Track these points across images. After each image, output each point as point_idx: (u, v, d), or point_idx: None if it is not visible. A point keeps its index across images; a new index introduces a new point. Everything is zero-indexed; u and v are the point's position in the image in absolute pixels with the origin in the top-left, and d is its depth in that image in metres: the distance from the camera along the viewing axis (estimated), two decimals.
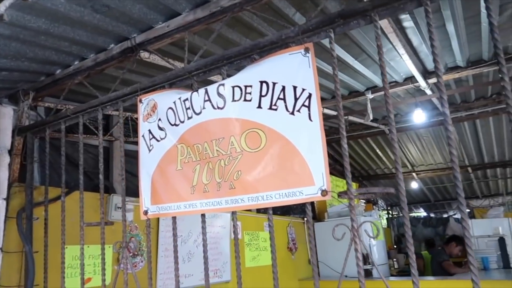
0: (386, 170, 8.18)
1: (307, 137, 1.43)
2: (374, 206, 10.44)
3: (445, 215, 10.38)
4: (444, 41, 3.17)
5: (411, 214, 11.08)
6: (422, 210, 10.98)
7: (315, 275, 1.56)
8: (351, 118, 5.52)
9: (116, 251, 1.74)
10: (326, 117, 4.94)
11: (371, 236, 1.74)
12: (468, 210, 9.98)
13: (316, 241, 5.66)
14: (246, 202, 1.54)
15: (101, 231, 2.04)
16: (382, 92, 4.14)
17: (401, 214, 10.06)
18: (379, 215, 11.36)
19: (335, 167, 7.96)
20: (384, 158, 7.56)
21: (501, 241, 5.45)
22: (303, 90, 1.47)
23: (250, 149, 1.54)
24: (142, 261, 3.16)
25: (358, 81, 3.97)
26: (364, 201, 6.11)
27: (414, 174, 7.95)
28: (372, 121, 5.77)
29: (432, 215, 10.66)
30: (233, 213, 1.62)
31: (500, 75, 1.26)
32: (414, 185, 8.37)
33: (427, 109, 4.96)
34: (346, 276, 4.92)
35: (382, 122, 5.89)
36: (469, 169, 7.48)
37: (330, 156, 7.51)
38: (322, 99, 4.19)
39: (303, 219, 5.50)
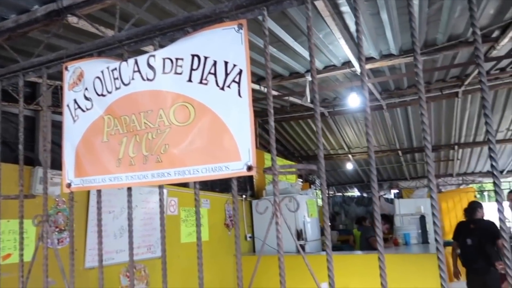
0: (324, 152, 8.50)
1: (236, 113, 1.44)
2: (312, 186, 10.86)
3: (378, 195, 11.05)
4: (379, 29, 3.31)
5: (346, 194, 11.68)
6: (356, 190, 11.60)
7: (237, 248, 1.60)
8: (292, 99, 5.64)
9: (35, 225, 1.66)
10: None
11: (291, 211, 1.80)
12: (397, 191, 10.73)
13: (254, 218, 5.81)
14: (173, 176, 1.53)
15: (19, 204, 1.93)
16: (322, 75, 4.28)
17: (337, 194, 10.54)
18: (316, 194, 11.86)
19: (276, 147, 8.13)
20: (323, 140, 7.84)
21: (422, 219, 5.93)
22: (234, 66, 1.46)
23: (179, 123, 1.52)
24: (69, 237, 3.05)
25: (298, 63, 4.04)
26: (301, 180, 6.33)
27: (350, 155, 8.35)
28: (311, 103, 5.94)
29: (365, 194, 11.30)
30: (160, 187, 1.61)
31: (414, 63, 1.34)
32: (350, 166, 8.79)
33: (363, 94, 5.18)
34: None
35: (322, 104, 6.09)
36: (400, 152, 7.99)
37: (279, 142, 7.64)
38: (263, 79, 4.22)
39: (242, 197, 5.60)
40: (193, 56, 1.53)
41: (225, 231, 5.08)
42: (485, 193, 19.20)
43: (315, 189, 11.57)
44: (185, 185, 4.67)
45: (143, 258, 3.83)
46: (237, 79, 1.46)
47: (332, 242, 7.75)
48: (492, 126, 1.03)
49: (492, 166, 1.01)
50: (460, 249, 4.71)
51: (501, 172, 9.46)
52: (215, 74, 1.49)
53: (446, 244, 8.74)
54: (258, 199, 5.86)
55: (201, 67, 1.51)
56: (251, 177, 6.20)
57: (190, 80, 1.53)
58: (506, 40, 3.23)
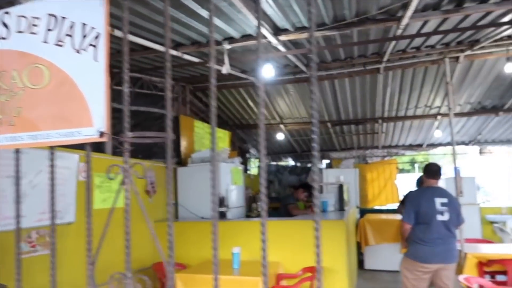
0: (257, 121, 8.60)
1: (91, 77, 1.40)
2: (247, 154, 11.03)
3: (309, 165, 11.47)
4: (287, 1, 3.32)
5: (280, 163, 12.00)
6: (290, 159, 11.95)
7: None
8: (217, 67, 5.58)
9: None
10: (191, 64, 4.92)
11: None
12: (328, 161, 11.19)
13: (178, 185, 5.82)
14: (25, 140, 1.48)
15: None
16: (240, 44, 4.27)
17: (272, 163, 10.78)
18: (251, 163, 12.07)
19: (208, 115, 8.09)
20: (255, 109, 7.91)
21: (340, 188, 6.26)
22: (92, 28, 1.41)
23: (32, 85, 1.46)
24: None
25: (215, 31, 3.99)
26: (227, 148, 6.40)
27: (282, 126, 8.54)
28: (243, 72, 5.94)
29: (298, 164, 11.69)
30: (17, 150, 1.55)
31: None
32: (281, 136, 8.99)
33: (282, 65, 5.25)
34: (202, 218, 5.16)
35: (252, 74, 6.10)
36: (329, 124, 8.30)
37: (203, 103, 7.57)
38: (182, 45, 4.13)
39: (166, 164, 5.56)
40: (50, 15, 1.46)
41: (146, 198, 5.05)
42: (416, 165, 20.74)
43: (250, 158, 11.78)
44: (100, 150, 4.54)
45: (49, 224, 3.73)
46: (94, 43, 1.41)
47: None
48: None
49: None
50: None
51: (421, 145, 10.19)
52: (72, 36, 1.43)
53: (368, 211, 9.35)
54: (184, 166, 5.86)
55: (58, 28, 1.45)
56: (177, 144, 6.16)
57: (45, 41, 1.46)
58: (406, 20, 3.40)
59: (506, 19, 3.91)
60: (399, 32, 3.76)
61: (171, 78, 1.46)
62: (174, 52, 4.07)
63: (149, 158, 5.35)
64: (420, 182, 6.33)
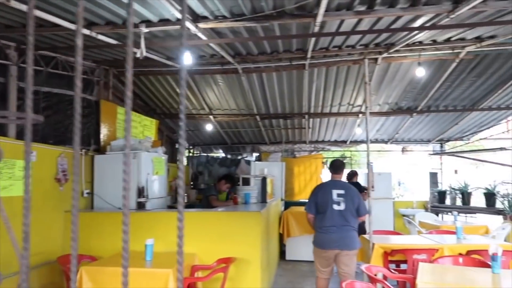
0: (186, 111, 8.44)
1: None
2: (177, 145, 10.79)
3: (239, 157, 11.54)
4: None
5: (210, 154, 11.93)
6: (221, 151, 11.93)
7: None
8: (147, 54, 5.36)
9: None
10: (109, 46, 4.66)
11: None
12: (257, 154, 11.33)
13: (95, 173, 5.53)
14: None
15: None
16: (160, 28, 4.11)
17: (202, 153, 10.67)
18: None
19: (137, 103, 7.78)
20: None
21: (263, 180, 6.35)
22: None
23: None
24: None
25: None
26: (150, 137, 6.19)
27: (211, 117, 8.46)
28: (169, 59, 5.76)
29: (229, 156, 11.71)
30: None
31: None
32: (209, 127, 8.92)
33: (209, 55, 5.18)
34: (119, 208, 4.95)
35: (179, 61, 5.91)
36: (258, 117, 8.38)
37: (138, 96, 7.26)
38: (95, 24, 3.88)
39: (82, 151, 5.24)
40: None
41: (56, 186, 4.73)
42: (344, 160, 21.82)
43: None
44: (2, 133, 4.16)
45: None
46: None
47: (190, 200, 7.84)
48: None
49: None
50: None
51: (345, 141, 10.69)
52: None
53: (292, 204, 9.62)
54: (101, 153, 5.57)
55: None
56: (97, 131, 5.84)
57: None
58: (320, 17, 3.50)
59: (416, 24, 4.18)
60: (316, 29, 3.86)
61: (82, 58, 1.35)
62: (86, 31, 3.81)
63: (63, 144, 5.01)
64: (350, 176, 6.90)
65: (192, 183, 10.81)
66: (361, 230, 5.96)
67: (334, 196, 4.23)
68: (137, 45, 3.86)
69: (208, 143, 11.29)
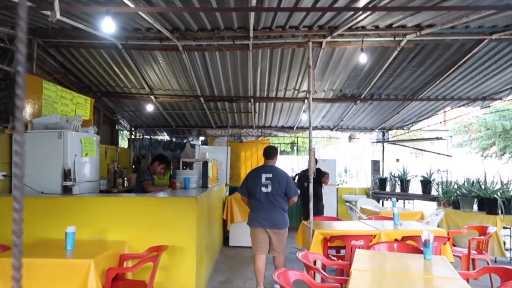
0: (125, 89, 7.92)
1: None
2: (117, 125, 10.19)
3: (185, 140, 11.16)
4: None
5: (154, 137, 11.44)
6: (165, 134, 11.47)
7: None
8: (73, 23, 4.85)
9: None
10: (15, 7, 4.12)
11: None
12: (204, 138, 11.02)
13: (13, 154, 4.96)
14: None
15: None
16: None
17: (146, 136, 10.18)
18: (122, 135, 11.27)
19: (70, 79, 7.16)
20: (122, 76, 7.23)
21: (205, 164, 6.08)
22: None
23: None
24: None
25: None
26: (80, 115, 5.66)
27: (152, 97, 8.00)
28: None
29: (174, 139, 11.29)
30: None
31: None
32: (150, 107, 8.45)
33: (144, 28, 4.79)
34: (42, 193, 4.47)
35: (117, 35, 5.44)
36: (202, 99, 8.04)
37: (57, 62, 6.63)
38: None
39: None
40: None
41: None
42: (295, 147, 22.00)
43: (121, 130, 10.96)
44: None
45: None
46: None
47: (131, 184, 7.27)
48: None
49: None
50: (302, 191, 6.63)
51: (292, 127, 10.66)
52: None
53: (238, 189, 9.44)
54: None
55: None
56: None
57: None
58: None
59: (359, 5, 4.07)
60: (254, 2, 3.62)
61: None
62: None
63: None
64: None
65: (134, 166, 10.29)
66: (319, 211, 6.97)
67: (263, 180, 4.68)
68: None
69: (151, 125, 10.79)
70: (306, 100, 8.07)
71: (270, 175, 4.69)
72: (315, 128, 10.62)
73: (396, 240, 4.89)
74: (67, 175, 4.88)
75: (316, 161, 7.64)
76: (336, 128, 10.66)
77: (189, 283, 4.23)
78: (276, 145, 11.12)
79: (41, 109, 5.82)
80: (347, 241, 4.67)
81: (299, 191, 5.49)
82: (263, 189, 4.67)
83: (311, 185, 5.18)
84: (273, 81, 7.14)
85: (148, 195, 4.62)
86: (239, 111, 9.13)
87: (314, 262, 4.98)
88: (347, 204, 7.96)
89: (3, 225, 4.26)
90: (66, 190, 4.85)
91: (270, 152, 4.93)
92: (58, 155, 4.86)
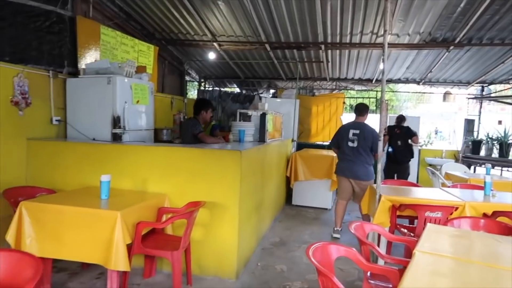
0: (188, 36, 7.56)
1: None
2: (188, 77, 10.03)
3: (255, 93, 10.69)
4: None
5: (224, 89, 11.15)
6: (235, 86, 11.09)
7: None
8: None
9: None
10: None
11: None
12: (274, 90, 10.44)
13: (67, 99, 4.92)
14: None
15: None
16: None
17: (215, 88, 9.92)
18: (193, 86, 11.13)
19: (131, 24, 6.96)
20: (182, 21, 6.84)
21: (263, 117, 5.55)
22: None
23: None
24: None
25: None
26: (134, 61, 5.39)
27: (216, 44, 7.54)
28: None
29: (244, 91, 10.88)
30: None
31: None
32: (213, 55, 8.01)
33: None
34: (94, 139, 4.36)
35: None
36: (267, 46, 7.37)
37: (118, 7, 6.42)
38: None
39: (48, 72, 4.59)
40: None
41: (14, 110, 4.16)
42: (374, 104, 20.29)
43: (191, 81, 10.82)
44: None
45: None
46: None
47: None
48: None
49: None
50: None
51: (371, 80, 9.53)
52: None
53: (306, 146, 8.85)
54: (74, 77, 4.92)
55: None
56: (72, 52, 5.15)
57: None
58: None
59: None
60: None
61: None
62: None
63: (23, 62, 4.37)
64: (399, 120, 7.34)
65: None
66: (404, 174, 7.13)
67: (350, 135, 5.17)
68: None
69: (220, 77, 10.46)
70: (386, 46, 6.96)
71: (357, 131, 5.12)
72: (398, 81, 9.37)
73: (484, 215, 3.99)
74: (116, 122, 4.71)
75: (404, 118, 7.39)
76: (423, 81, 9.29)
77: (231, 243, 3.87)
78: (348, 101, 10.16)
79: (101, 55, 5.70)
80: (419, 211, 3.90)
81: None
82: (350, 144, 5.16)
83: (380, 144, 4.41)
84: (346, 22, 6.18)
85: (191, 146, 4.24)
86: (309, 60, 8.29)
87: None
88: (428, 168, 6.93)
89: (56, 169, 4.27)
90: (116, 138, 4.70)
91: (361, 109, 5.30)
92: (107, 102, 4.69)
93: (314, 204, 7.21)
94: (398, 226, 4.32)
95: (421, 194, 4.46)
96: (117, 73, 4.82)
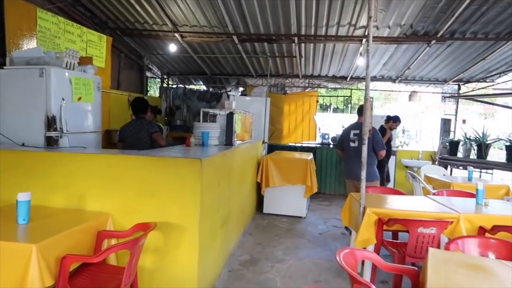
0: (146, 26, 6.74)
1: None
2: (149, 73, 9.19)
3: (222, 91, 9.97)
4: None
5: (190, 86, 10.37)
6: (201, 83, 10.33)
7: None
8: None
9: None
10: None
11: None
12: (243, 88, 9.76)
13: None
14: None
15: None
16: None
17: (180, 85, 9.09)
18: (155, 83, 10.28)
19: (83, 12, 6.08)
20: (139, 8, 6.03)
21: (229, 116, 4.86)
22: None
23: None
24: None
25: None
26: (77, 51, 4.54)
27: (177, 35, 6.76)
28: None
29: (211, 89, 10.14)
30: None
31: None
32: (174, 48, 7.20)
33: None
34: (23, 144, 3.51)
35: None
36: (235, 38, 6.67)
37: (78, 2, 5.54)
38: None
39: None
40: None
41: None
42: (349, 105, 19.94)
43: (153, 77, 9.97)
44: None
45: None
46: None
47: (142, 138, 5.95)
48: None
49: None
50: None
51: (346, 78, 9.02)
52: None
53: (278, 147, 8.23)
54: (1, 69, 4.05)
55: None
56: (0, 36, 4.27)
57: None
58: None
59: None
60: None
61: None
62: None
63: None
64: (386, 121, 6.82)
65: (166, 118, 9.35)
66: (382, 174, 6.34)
67: (351, 135, 5.14)
68: None
69: (184, 73, 9.66)
70: (364, 40, 6.42)
71: (358, 131, 5.04)
72: (374, 79, 8.90)
73: (481, 228, 3.50)
74: (51, 123, 3.89)
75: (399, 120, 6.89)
76: (399, 79, 8.86)
77: (190, 270, 3.16)
78: (320, 99, 9.61)
79: (37, 43, 4.84)
80: (411, 227, 3.37)
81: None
82: (351, 144, 5.14)
83: (364, 147, 3.82)
84: (322, 11, 5.58)
85: (140, 153, 3.49)
86: (281, 54, 7.65)
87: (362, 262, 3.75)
88: (408, 172, 6.47)
89: None
90: (51, 142, 3.88)
91: (359, 110, 5.22)
92: (40, 98, 3.87)
93: (287, 212, 6.59)
94: (385, 242, 3.76)
95: (409, 205, 3.91)
96: (54, 64, 4.00)
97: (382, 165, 6.58)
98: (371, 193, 4.46)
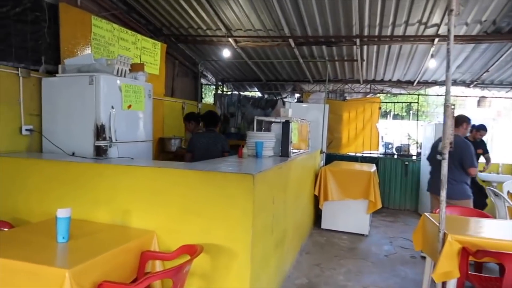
0: (200, 31, 6.56)
1: None
2: (204, 80, 9.07)
3: (278, 97, 9.61)
4: None
5: (244, 93, 10.13)
6: (256, 89, 10.05)
7: None
8: None
9: None
10: None
11: None
12: (299, 94, 9.34)
13: (43, 103, 4.00)
14: None
15: None
16: None
17: (234, 92, 8.88)
18: (210, 90, 10.15)
19: (136, 19, 6.04)
20: (192, 13, 5.85)
21: (285, 125, 4.46)
22: None
23: None
24: None
25: None
26: (129, 57, 4.41)
27: (231, 40, 6.50)
28: None
29: (266, 96, 9.83)
30: None
31: None
32: (227, 53, 6.93)
33: None
34: (73, 154, 3.39)
35: None
36: (291, 41, 6.27)
37: (133, 9, 5.50)
38: None
39: (18, 69, 3.68)
40: None
41: None
42: (411, 112, 18.72)
43: (208, 84, 9.86)
44: None
45: None
46: None
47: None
48: None
49: None
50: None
51: (412, 82, 8.27)
52: None
53: (337, 158, 7.71)
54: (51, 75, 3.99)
55: None
56: (55, 46, 4.23)
57: None
58: None
59: None
60: None
61: None
62: None
63: None
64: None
65: (221, 126, 9.17)
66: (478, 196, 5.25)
67: (439, 147, 4.57)
68: None
69: (239, 79, 9.43)
70: (436, 40, 5.74)
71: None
72: (443, 83, 8.06)
73: None
74: (100, 132, 3.74)
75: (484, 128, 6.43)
76: (474, 83, 7.95)
77: None
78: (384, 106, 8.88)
79: (92, 50, 4.79)
80: (509, 262, 2.74)
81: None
82: (438, 157, 4.60)
83: (445, 162, 3.23)
84: (388, 9, 5.03)
85: (187, 166, 3.19)
86: (341, 58, 7.13)
87: None
88: (489, 188, 5.64)
89: (19, 194, 3.33)
90: (100, 152, 3.73)
91: (455, 120, 4.58)
92: (89, 106, 3.73)
93: (347, 229, 6.05)
94: (470, 277, 3.15)
95: (502, 233, 3.26)
96: (104, 71, 3.86)
97: (477, 184, 5.67)
98: (449, 215, 3.84)
